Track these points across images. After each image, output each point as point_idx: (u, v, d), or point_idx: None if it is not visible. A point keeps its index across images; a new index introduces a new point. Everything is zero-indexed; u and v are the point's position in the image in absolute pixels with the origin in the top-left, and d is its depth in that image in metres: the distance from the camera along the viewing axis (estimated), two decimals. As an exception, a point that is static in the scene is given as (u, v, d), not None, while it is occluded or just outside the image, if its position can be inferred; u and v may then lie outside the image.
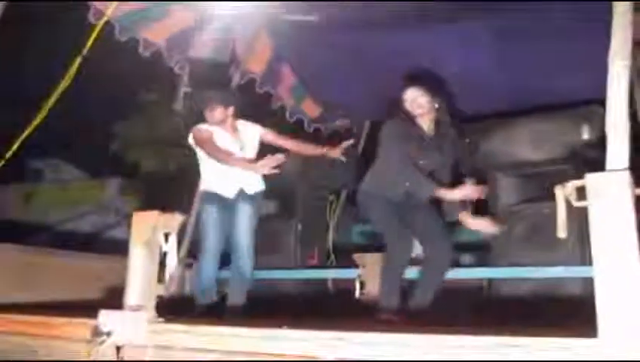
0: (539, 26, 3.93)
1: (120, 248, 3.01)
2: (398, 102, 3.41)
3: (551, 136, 3.97)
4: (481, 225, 3.43)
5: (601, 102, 2.16)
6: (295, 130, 5.56)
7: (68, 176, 15.31)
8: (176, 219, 2.78)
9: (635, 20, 2.21)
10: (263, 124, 4.13)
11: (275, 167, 3.50)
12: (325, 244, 5.07)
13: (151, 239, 2.70)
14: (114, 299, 2.73)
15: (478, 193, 3.32)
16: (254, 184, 3.91)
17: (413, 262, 3.44)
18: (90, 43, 3.57)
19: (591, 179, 1.91)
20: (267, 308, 3.76)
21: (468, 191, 3.29)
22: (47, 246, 4.97)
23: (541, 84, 4.39)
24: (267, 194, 4.09)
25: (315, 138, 5.80)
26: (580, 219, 2.05)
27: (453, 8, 3.91)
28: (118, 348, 2.46)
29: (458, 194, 3.28)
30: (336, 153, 4.05)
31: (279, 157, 3.53)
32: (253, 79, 5.07)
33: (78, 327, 2.59)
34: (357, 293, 4.16)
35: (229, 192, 3.83)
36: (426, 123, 3.41)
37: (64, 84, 3.50)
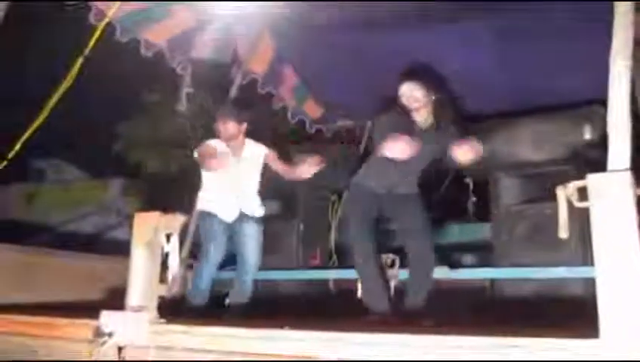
0: (540, 25, 3.93)
1: (122, 249, 3.01)
2: (395, 97, 3.42)
3: (552, 136, 3.97)
4: (463, 151, 3.27)
5: (603, 103, 2.15)
6: (297, 130, 5.58)
7: (70, 176, 15.31)
8: (178, 220, 2.78)
9: (637, 20, 2.21)
10: (265, 126, 4.13)
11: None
12: (327, 245, 5.06)
13: (153, 240, 2.71)
14: (116, 299, 2.74)
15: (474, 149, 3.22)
16: (254, 208, 3.92)
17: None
18: (91, 44, 3.58)
19: (592, 180, 1.91)
20: (269, 308, 3.76)
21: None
22: (48, 247, 4.98)
23: (542, 84, 4.38)
24: (269, 194, 4.09)
25: (317, 139, 5.81)
26: (581, 219, 2.04)
27: (455, 8, 3.90)
28: (119, 349, 2.46)
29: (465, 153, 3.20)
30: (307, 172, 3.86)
31: (318, 160, 3.66)
32: (255, 80, 5.07)
33: (79, 328, 2.59)
34: (359, 294, 4.16)
35: (228, 215, 3.83)
36: (423, 116, 3.40)
37: (66, 84, 3.51)
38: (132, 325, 2.50)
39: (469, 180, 5.32)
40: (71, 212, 12.62)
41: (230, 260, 3.93)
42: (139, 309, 2.57)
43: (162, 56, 4.41)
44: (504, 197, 4.09)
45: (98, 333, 2.45)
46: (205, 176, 3.89)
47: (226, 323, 2.55)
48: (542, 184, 3.70)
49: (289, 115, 5.58)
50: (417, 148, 3.12)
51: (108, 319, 2.50)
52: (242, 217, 3.83)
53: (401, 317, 3.12)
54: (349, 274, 4.33)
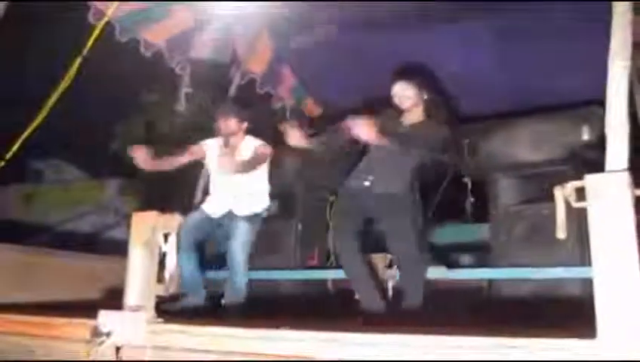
0: (539, 26, 3.93)
1: (120, 248, 3.01)
2: (388, 98, 3.42)
3: (550, 136, 3.97)
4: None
5: (601, 103, 2.15)
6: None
7: (68, 176, 15.30)
8: (175, 220, 2.79)
9: (635, 21, 2.21)
10: (266, 124, 4.14)
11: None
12: (325, 245, 5.06)
13: (150, 239, 2.71)
14: (114, 299, 2.73)
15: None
16: (246, 206, 3.90)
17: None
18: (90, 43, 3.57)
19: (590, 180, 1.91)
20: (266, 308, 3.76)
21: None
22: (47, 247, 4.97)
23: (541, 85, 4.38)
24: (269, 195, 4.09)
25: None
26: (579, 220, 2.05)
27: (454, 8, 3.90)
28: (117, 349, 2.46)
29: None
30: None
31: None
32: (254, 79, 5.08)
33: (77, 328, 2.59)
34: (356, 294, 4.16)
35: (213, 211, 3.83)
36: (415, 116, 3.39)
37: (64, 84, 3.50)
38: (130, 325, 2.50)
39: (467, 180, 5.31)
40: (69, 212, 12.61)
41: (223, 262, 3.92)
42: (136, 309, 2.57)
43: (161, 56, 4.40)
44: (502, 198, 4.08)
45: (96, 333, 2.45)
46: (202, 174, 3.96)
47: (224, 322, 2.55)
48: (540, 184, 3.70)
49: (287, 114, 5.58)
50: (379, 133, 3.09)
51: (105, 319, 2.50)
52: (232, 216, 3.84)
53: (396, 317, 3.11)
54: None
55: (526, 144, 4.05)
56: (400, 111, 3.39)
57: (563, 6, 3.65)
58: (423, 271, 3.39)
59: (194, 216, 3.84)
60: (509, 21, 4.00)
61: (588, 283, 1.90)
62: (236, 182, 3.88)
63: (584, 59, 3.46)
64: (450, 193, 6.16)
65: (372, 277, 3.40)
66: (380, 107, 3.48)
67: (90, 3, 3.77)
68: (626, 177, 1.86)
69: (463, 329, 1.98)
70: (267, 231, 4.44)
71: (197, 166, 4.33)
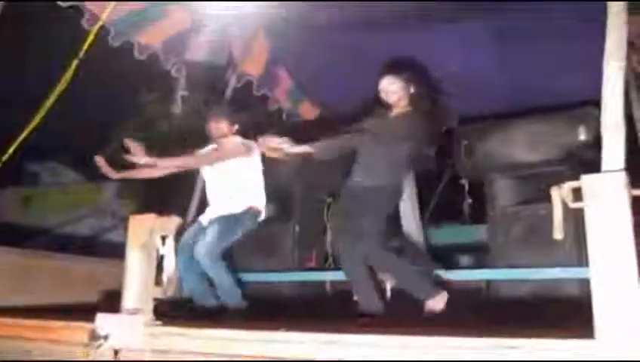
0: (537, 26, 3.94)
1: (117, 251, 3.01)
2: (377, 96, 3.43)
3: (547, 137, 3.98)
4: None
5: (597, 103, 2.16)
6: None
7: (65, 179, 15.27)
8: (173, 222, 2.78)
9: (630, 21, 2.21)
10: (262, 126, 4.12)
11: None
12: (323, 246, 5.06)
13: (148, 242, 2.70)
14: (112, 302, 2.73)
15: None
16: (221, 208, 3.82)
17: None
18: (85, 47, 3.57)
19: (587, 180, 1.92)
20: (265, 310, 3.75)
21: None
22: (44, 250, 4.96)
23: (539, 85, 4.39)
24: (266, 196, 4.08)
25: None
26: (576, 220, 2.05)
27: (454, 8, 3.91)
28: (115, 352, 2.45)
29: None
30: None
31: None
32: (250, 82, 5.07)
33: (75, 331, 2.58)
34: (355, 295, 4.16)
35: (204, 218, 3.84)
36: (400, 109, 3.40)
37: (60, 87, 3.50)
38: (128, 328, 2.49)
39: (464, 182, 5.33)
40: (67, 215, 12.58)
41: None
42: (134, 312, 2.57)
43: (157, 58, 4.40)
44: (500, 199, 4.10)
45: (94, 336, 2.45)
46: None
47: (223, 325, 2.55)
48: (537, 185, 3.71)
49: (284, 115, 5.58)
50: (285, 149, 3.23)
51: (103, 322, 2.50)
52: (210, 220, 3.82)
53: (395, 318, 3.11)
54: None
55: (523, 145, 4.06)
56: (388, 107, 3.39)
57: (561, 6, 3.66)
58: (395, 263, 3.34)
59: (190, 230, 3.82)
60: (507, 21, 4.01)
61: (585, 283, 1.90)
62: (221, 186, 3.86)
63: (580, 59, 3.47)
64: (447, 194, 6.18)
65: (371, 278, 3.39)
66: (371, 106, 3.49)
67: (83, 8, 3.75)
68: (622, 177, 1.87)
69: (462, 330, 1.99)
70: (265, 234, 4.45)
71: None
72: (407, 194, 3.85)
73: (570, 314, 2.29)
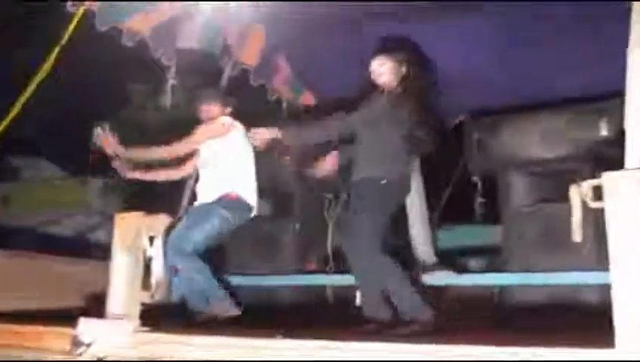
0: (554, 14, 3.93)
1: (104, 252, 3.01)
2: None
3: (565, 132, 3.97)
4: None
5: (620, 96, 2.15)
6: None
7: (48, 174, 15.29)
8: (162, 221, 2.78)
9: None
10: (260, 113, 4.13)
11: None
12: (324, 248, 5.05)
13: (135, 243, 2.70)
14: (96, 306, 2.73)
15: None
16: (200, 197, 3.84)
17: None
18: (69, 32, 3.56)
19: (608, 178, 1.91)
20: (261, 316, 3.75)
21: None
22: (24, 250, 4.97)
23: (555, 77, 4.38)
24: (262, 194, 4.07)
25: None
26: (596, 220, 2.04)
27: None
28: (98, 360, 2.45)
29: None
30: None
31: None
32: (247, 70, 5.06)
33: (56, 337, 2.58)
34: (358, 301, 4.15)
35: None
36: (396, 92, 3.40)
37: (42, 75, 3.49)
38: (112, 334, 2.49)
39: (476, 179, 5.31)
40: (49, 212, 12.59)
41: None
42: (120, 317, 2.57)
43: (145, 46, 4.39)
44: (514, 198, 4.09)
45: (75, 343, 2.45)
46: None
47: (216, 332, 2.55)
48: (554, 183, 3.70)
49: (283, 105, 5.58)
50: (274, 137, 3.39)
51: (86, 327, 2.49)
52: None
53: (402, 325, 3.10)
54: (348, 280, 4.34)
55: (539, 139, 4.04)
56: (382, 90, 3.41)
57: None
58: (381, 278, 3.25)
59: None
60: (519, 12, 4.00)
61: (606, 289, 1.89)
62: (215, 171, 3.84)
63: (603, 50, 3.47)
64: (458, 193, 6.17)
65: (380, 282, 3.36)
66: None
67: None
68: (646, 175, 1.86)
69: (474, 338, 1.98)
70: (261, 234, 4.44)
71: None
72: (414, 188, 3.80)
73: (590, 321, 2.29)
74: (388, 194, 3.32)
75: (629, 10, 2.25)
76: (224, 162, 3.75)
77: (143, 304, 2.69)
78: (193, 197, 4.02)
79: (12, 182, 14.70)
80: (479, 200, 5.57)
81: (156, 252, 2.74)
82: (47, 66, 3.50)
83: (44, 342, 2.62)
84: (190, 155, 3.97)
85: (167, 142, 3.85)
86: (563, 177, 2.84)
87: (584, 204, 2.10)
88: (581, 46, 3.97)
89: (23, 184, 14.78)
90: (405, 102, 3.33)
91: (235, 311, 3.54)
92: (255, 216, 3.93)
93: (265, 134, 3.48)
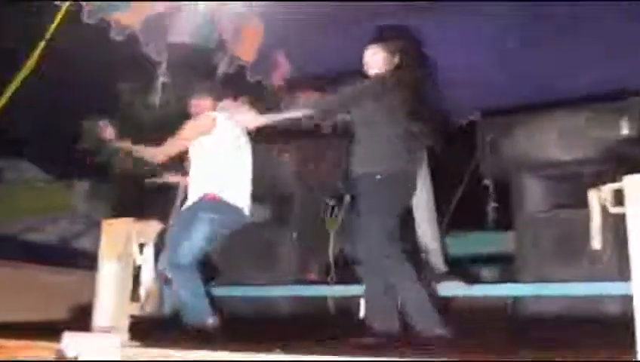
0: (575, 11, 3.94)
1: (90, 260, 3.00)
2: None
3: (583, 131, 3.97)
4: None
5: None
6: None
7: (30, 176, 15.30)
8: (152, 228, 2.77)
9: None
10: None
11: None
12: (325, 257, 5.05)
13: (124, 250, 2.70)
14: (83, 319, 2.72)
15: None
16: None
17: None
18: (54, 26, 3.56)
19: (629, 182, 1.91)
20: (257, 329, 3.75)
21: None
22: (6, 259, 4.96)
23: (574, 74, 4.39)
24: (259, 198, 4.07)
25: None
26: (617, 227, 2.04)
27: None
28: (84, 376, 2.45)
29: None
30: None
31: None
32: (243, 66, 5.07)
33: (39, 351, 2.58)
34: (362, 313, 4.15)
35: None
36: (390, 82, 3.42)
37: (25, 71, 3.50)
38: (99, 348, 2.49)
39: (488, 182, 5.32)
40: (32, 218, 12.61)
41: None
42: (107, 330, 2.56)
43: (135, 40, 4.39)
44: (528, 202, 4.09)
45: (60, 357, 2.44)
46: None
47: (210, 346, 2.54)
48: (572, 187, 3.70)
49: (283, 105, 5.58)
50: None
51: (71, 341, 2.49)
52: None
53: (409, 338, 3.09)
54: (350, 290, 4.34)
55: (556, 140, 4.05)
56: (376, 81, 3.45)
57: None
58: (394, 282, 3.23)
59: None
60: (537, 6, 4.01)
61: (627, 299, 1.89)
62: (207, 166, 3.86)
63: (625, 44, 3.47)
64: (469, 197, 6.17)
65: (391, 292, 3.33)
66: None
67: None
68: (671, 178, 1.86)
69: (488, 351, 1.98)
70: (259, 241, 4.44)
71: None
72: (420, 185, 3.77)
73: (609, 334, 2.28)
74: (388, 191, 3.28)
75: (629, 10, 2.25)
76: (212, 159, 3.75)
77: (132, 316, 2.68)
78: (186, 197, 4.03)
79: (-8, 185, 14.74)
80: (491, 204, 5.58)
81: (146, 260, 2.74)
82: (30, 63, 3.51)
83: (28, 356, 2.63)
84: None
85: (159, 140, 3.86)
86: (581, 180, 2.85)
87: (604, 209, 2.10)
88: (581, 46, 3.97)
89: (3, 187, 14.81)
90: (397, 89, 3.34)
91: (212, 322, 3.52)
92: (252, 223, 3.93)
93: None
